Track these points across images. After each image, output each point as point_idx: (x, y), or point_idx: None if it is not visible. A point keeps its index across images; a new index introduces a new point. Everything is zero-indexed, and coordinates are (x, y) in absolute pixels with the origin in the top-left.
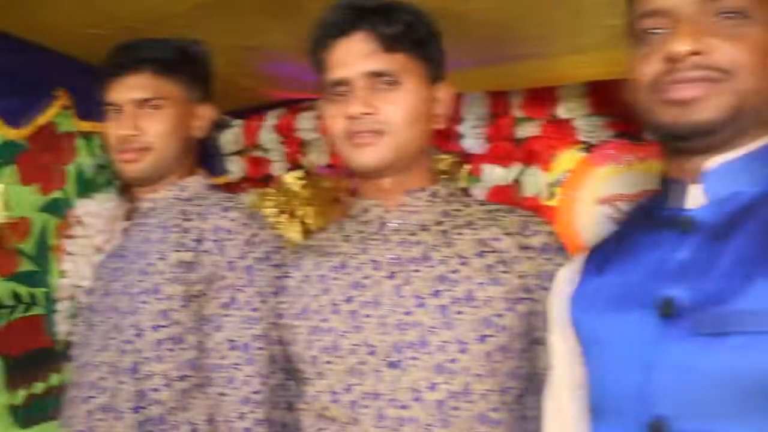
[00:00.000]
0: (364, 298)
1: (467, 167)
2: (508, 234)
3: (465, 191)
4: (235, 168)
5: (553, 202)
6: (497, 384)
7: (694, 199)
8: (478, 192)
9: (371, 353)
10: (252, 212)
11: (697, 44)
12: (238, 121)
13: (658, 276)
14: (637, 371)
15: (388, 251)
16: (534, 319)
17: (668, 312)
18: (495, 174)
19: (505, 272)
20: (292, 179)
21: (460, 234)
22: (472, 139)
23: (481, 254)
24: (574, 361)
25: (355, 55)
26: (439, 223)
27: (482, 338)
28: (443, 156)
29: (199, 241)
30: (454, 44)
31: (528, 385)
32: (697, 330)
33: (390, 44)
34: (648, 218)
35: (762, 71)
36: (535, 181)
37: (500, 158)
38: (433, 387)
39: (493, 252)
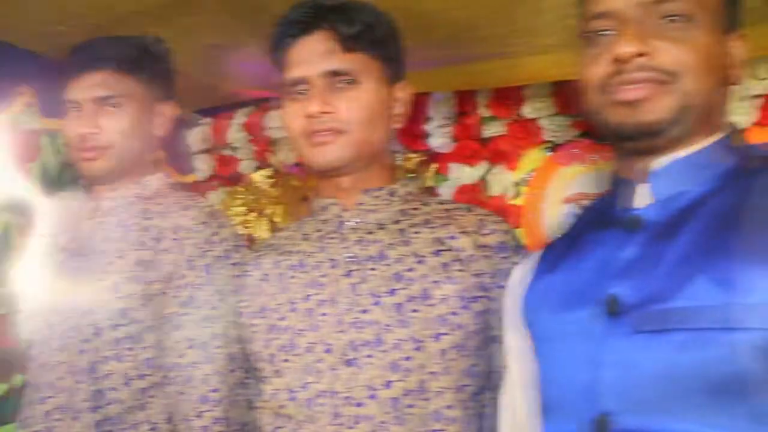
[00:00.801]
0: (321, 297)
1: (434, 166)
2: (464, 233)
3: (428, 190)
4: (204, 166)
5: (518, 201)
6: (452, 381)
7: (642, 198)
8: (445, 191)
9: (328, 351)
10: (212, 211)
11: (642, 46)
12: (207, 120)
13: (605, 274)
14: (584, 368)
15: (346, 250)
16: (490, 317)
17: (613, 310)
18: (461, 173)
19: (461, 270)
20: (260, 178)
21: (417, 233)
22: (439, 138)
23: (437, 253)
24: (527, 359)
25: (314, 54)
26: (397, 221)
27: (437, 336)
28: (411, 155)
29: (158, 239)
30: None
31: (485, 383)
32: (640, 327)
33: (349, 44)
34: (599, 217)
35: (705, 73)
36: (501, 180)
37: (467, 157)
38: (388, 384)
39: (449, 250)
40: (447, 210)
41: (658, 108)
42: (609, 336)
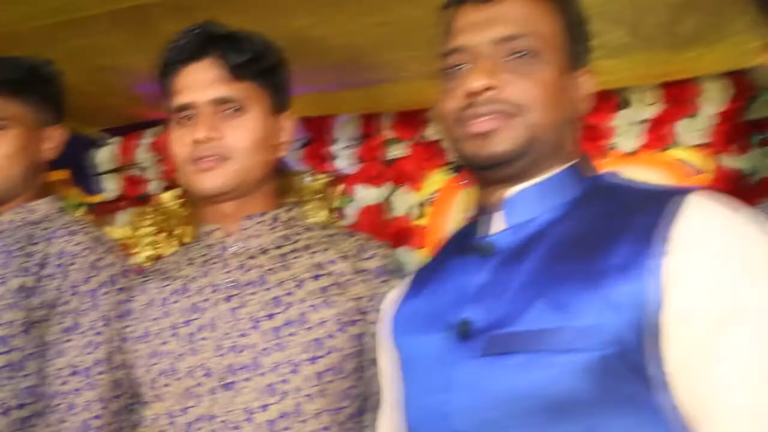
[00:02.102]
0: (201, 321)
1: (340, 187)
2: (344, 257)
3: (335, 211)
4: (112, 186)
5: (422, 222)
6: (328, 404)
7: (496, 225)
8: (351, 211)
9: (207, 375)
10: (99, 235)
11: (491, 81)
12: (115, 139)
13: (460, 299)
14: (438, 391)
15: (227, 275)
16: (368, 340)
17: (464, 334)
18: (366, 194)
19: (338, 294)
20: (169, 198)
21: (297, 257)
22: (344, 160)
23: (316, 277)
24: (396, 380)
25: (202, 81)
26: (279, 246)
27: (313, 359)
28: (318, 176)
29: (42, 265)
30: (318, 67)
31: (363, 405)
32: (487, 350)
33: (237, 72)
34: (460, 244)
35: (552, 106)
36: (405, 201)
37: (371, 178)
38: (264, 407)
39: (328, 275)
40: (329, 235)
41: (507, 139)
42: (459, 359)
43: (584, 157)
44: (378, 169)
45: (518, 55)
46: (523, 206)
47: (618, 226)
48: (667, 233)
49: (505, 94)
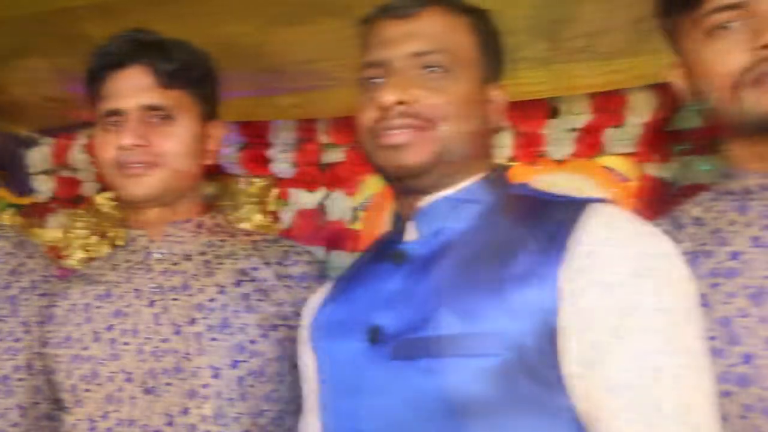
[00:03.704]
0: (124, 326)
1: (276, 191)
2: (267, 264)
3: (271, 214)
4: (44, 187)
5: (357, 226)
6: (250, 407)
7: (410, 234)
8: (286, 215)
9: (128, 380)
10: (21, 240)
11: (403, 95)
12: (48, 140)
13: (373, 305)
14: (351, 395)
15: (151, 280)
16: (290, 345)
17: (375, 339)
18: (302, 198)
19: (261, 300)
20: (103, 200)
21: (221, 264)
22: (281, 164)
23: (238, 283)
24: (316, 385)
25: (130, 88)
26: (203, 253)
27: (235, 363)
28: (254, 180)
29: None
30: (253, 73)
31: (287, 408)
32: (396, 355)
33: (167, 80)
34: (378, 251)
35: (464, 120)
36: (340, 206)
37: (307, 183)
38: (185, 412)
39: (251, 281)
40: (253, 242)
41: (419, 152)
42: (369, 364)
43: (496, 168)
44: (314, 174)
45: (432, 69)
46: (435, 216)
47: (522, 235)
48: (565, 242)
49: (418, 108)
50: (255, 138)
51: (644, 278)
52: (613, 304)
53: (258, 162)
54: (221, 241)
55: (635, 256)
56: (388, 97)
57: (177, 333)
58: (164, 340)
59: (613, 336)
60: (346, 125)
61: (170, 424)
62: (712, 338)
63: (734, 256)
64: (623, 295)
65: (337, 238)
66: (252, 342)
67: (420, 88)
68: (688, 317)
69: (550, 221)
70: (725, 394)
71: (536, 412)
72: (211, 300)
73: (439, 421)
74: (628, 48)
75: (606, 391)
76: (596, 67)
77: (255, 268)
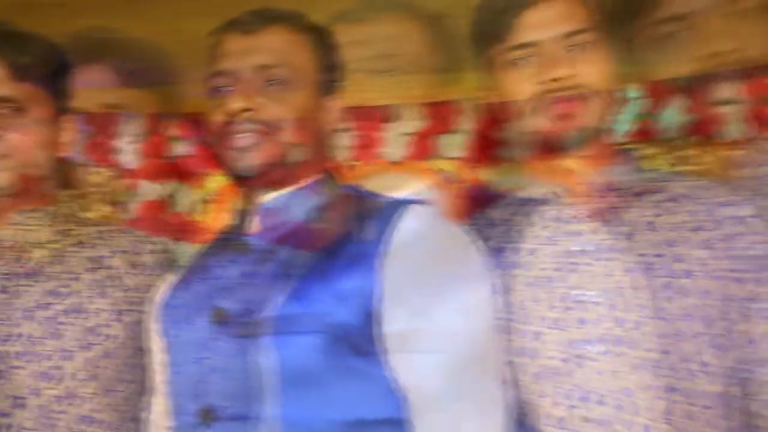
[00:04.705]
0: None
1: (123, 181)
2: (120, 252)
3: (118, 205)
4: None
5: (203, 218)
6: (102, 388)
7: (253, 227)
8: (133, 206)
9: None
10: None
11: (249, 103)
12: None
13: (217, 290)
14: (194, 369)
15: (3, 267)
16: (141, 328)
17: (219, 320)
18: (149, 189)
19: (113, 287)
20: None
21: (74, 252)
22: (129, 155)
23: (92, 270)
24: (163, 364)
25: None
26: (55, 241)
27: (88, 346)
28: (100, 169)
29: None
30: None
31: (139, 388)
32: (239, 334)
33: (18, 73)
34: (222, 242)
35: (303, 127)
36: (187, 198)
37: (154, 174)
38: (37, 393)
39: (105, 268)
40: (105, 231)
41: (262, 154)
42: (215, 342)
43: (332, 169)
44: (162, 166)
45: (274, 81)
46: (276, 211)
47: (351, 229)
48: (388, 237)
49: (262, 115)
50: (102, 128)
51: (449, 269)
52: (421, 290)
53: (105, 152)
54: (73, 230)
55: (442, 251)
56: (235, 104)
57: (29, 318)
58: (15, 325)
59: (421, 316)
60: (194, 120)
61: (22, 406)
62: (511, 320)
63: (531, 251)
64: (430, 282)
65: (182, 229)
66: (106, 326)
67: (264, 98)
68: (483, 303)
69: (373, 218)
70: (519, 366)
71: (358, 381)
72: (65, 286)
73: (277, 391)
74: (453, 66)
75: (412, 373)
76: (427, 81)
77: (108, 257)
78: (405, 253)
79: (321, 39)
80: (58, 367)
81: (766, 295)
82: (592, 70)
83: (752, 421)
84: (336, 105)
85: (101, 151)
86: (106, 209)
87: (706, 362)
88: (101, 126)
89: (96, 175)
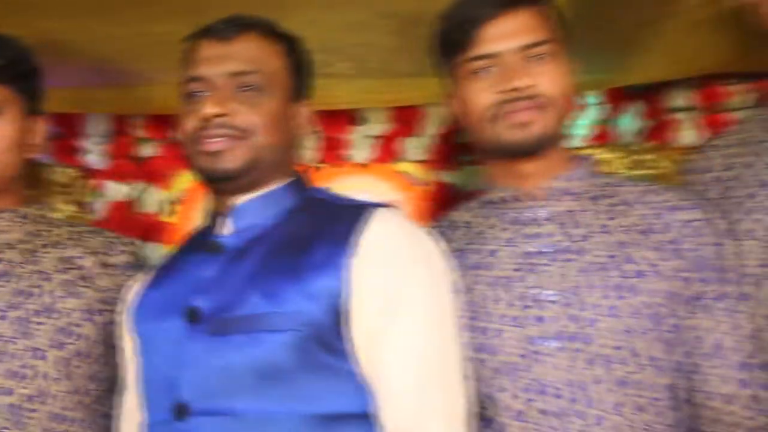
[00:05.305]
0: None
1: (90, 182)
2: (92, 253)
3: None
4: None
5: (171, 219)
6: (76, 387)
7: (225, 228)
8: (101, 207)
9: None
10: None
11: (222, 108)
12: None
13: (191, 289)
14: (171, 367)
15: None
16: (113, 328)
17: (193, 318)
18: (116, 190)
19: (85, 287)
20: None
21: (45, 253)
22: (95, 156)
23: (64, 270)
24: (135, 362)
25: None
26: (26, 242)
27: (60, 345)
28: (65, 169)
29: None
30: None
31: (110, 387)
32: (212, 332)
33: None
34: (194, 243)
35: (274, 132)
36: (155, 199)
37: (121, 175)
38: (10, 392)
39: (76, 269)
40: (77, 232)
41: (234, 158)
42: (187, 340)
43: (301, 173)
44: (129, 167)
45: (247, 88)
46: (248, 213)
47: (320, 231)
48: (357, 239)
49: (235, 120)
50: (68, 129)
51: (413, 270)
52: (388, 291)
53: (71, 152)
54: (45, 231)
55: (407, 253)
56: (209, 110)
57: (2, 318)
58: None
59: (388, 316)
60: (162, 121)
61: None
62: (472, 318)
63: (492, 253)
64: (396, 283)
65: (150, 229)
66: (78, 326)
67: (237, 103)
68: (445, 302)
69: (342, 221)
70: (480, 362)
71: (328, 376)
72: (37, 287)
73: (250, 386)
74: (420, 72)
75: (381, 370)
76: (394, 86)
77: (80, 257)
78: (373, 254)
79: (292, 47)
80: (30, 366)
81: (711, 294)
82: (550, 80)
83: (697, 411)
84: (306, 111)
85: (67, 151)
86: (72, 209)
87: (655, 357)
88: (67, 126)
89: (61, 175)
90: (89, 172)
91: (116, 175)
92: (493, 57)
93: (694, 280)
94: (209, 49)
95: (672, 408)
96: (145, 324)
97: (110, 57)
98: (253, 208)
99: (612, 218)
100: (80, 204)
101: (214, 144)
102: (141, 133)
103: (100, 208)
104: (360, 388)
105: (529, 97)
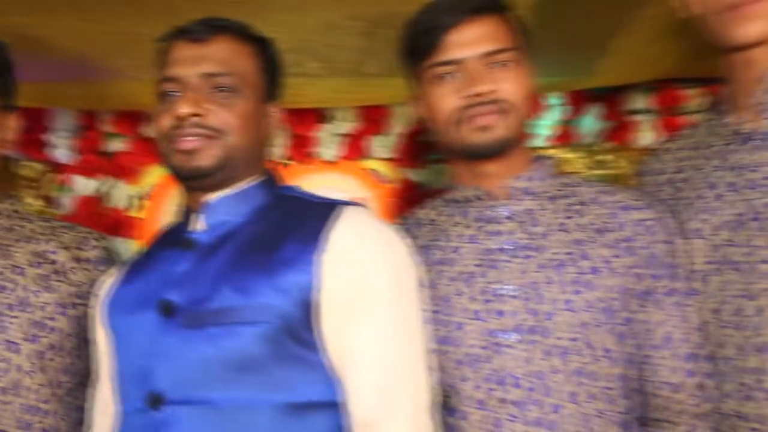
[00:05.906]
0: None
1: (57, 177)
2: (65, 248)
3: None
4: None
5: (139, 214)
6: (49, 379)
7: (198, 224)
8: (68, 201)
9: None
10: None
11: (196, 108)
12: None
13: (164, 284)
14: (142, 358)
15: None
16: (87, 321)
17: (167, 312)
18: (84, 185)
19: (59, 281)
20: None
21: (19, 247)
22: (63, 150)
23: (37, 265)
24: (109, 355)
25: None
26: None
27: (34, 338)
28: (31, 163)
29: None
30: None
31: (84, 380)
32: (186, 325)
33: None
34: (167, 239)
35: (246, 132)
36: (123, 194)
37: (89, 170)
38: None
39: (50, 263)
40: (50, 227)
41: (207, 156)
42: (162, 332)
43: (272, 171)
44: (97, 162)
45: (221, 89)
46: (219, 210)
47: (291, 228)
48: (326, 236)
49: (209, 120)
50: (35, 123)
51: (381, 266)
52: (356, 285)
53: (37, 146)
54: (18, 225)
55: (375, 250)
56: (184, 110)
57: None
58: None
59: (356, 310)
60: (130, 117)
61: None
62: (436, 311)
63: (455, 249)
64: (364, 278)
65: (119, 225)
66: (51, 319)
67: (211, 104)
68: (410, 296)
69: (312, 218)
70: (444, 353)
71: (299, 367)
72: (11, 281)
73: (223, 376)
74: (388, 72)
75: (352, 355)
76: (361, 86)
77: (53, 252)
78: (342, 251)
79: (264, 48)
80: (4, 359)
81: (661, 289)
82: (511, 86)
83: (647, 399)
84: (276, 111)
85: (34, 145)
86: (39, 204)
87: (608, 348)
88: (34, 121)
89: (29, 170)
90: (57, 167)
91: (84, 170)
92: (458, 63)
93: (646, 276)
94: (184, 50)
95: (624, 396)
96: (119, 317)
97: (80, 52)
98: (225, 205)
99: (569, 217)
100: (48, 199)
101: (188, 143)
102: (109, 128)
103: (68, 202)
104: (329, 378)
105: (492, 102)
